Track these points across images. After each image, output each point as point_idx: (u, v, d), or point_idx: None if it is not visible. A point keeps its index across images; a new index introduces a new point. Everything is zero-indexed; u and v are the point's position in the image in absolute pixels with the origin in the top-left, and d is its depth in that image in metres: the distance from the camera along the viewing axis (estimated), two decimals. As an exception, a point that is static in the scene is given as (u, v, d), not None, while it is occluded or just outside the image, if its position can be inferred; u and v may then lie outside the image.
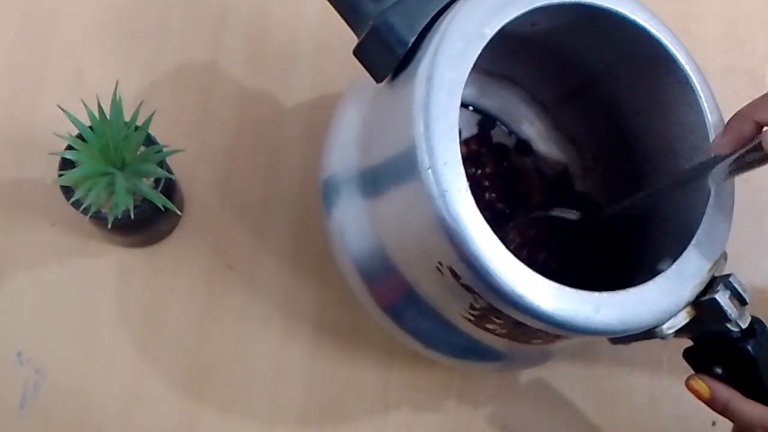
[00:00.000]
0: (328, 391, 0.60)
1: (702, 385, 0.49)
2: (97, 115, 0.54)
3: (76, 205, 0.55)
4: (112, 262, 0.62)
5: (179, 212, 0.59)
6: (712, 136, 0.49)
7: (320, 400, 0.60)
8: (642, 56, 0.51)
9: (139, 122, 0.55)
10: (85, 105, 0.54)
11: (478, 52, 0.45)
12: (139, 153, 0.56)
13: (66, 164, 0.56)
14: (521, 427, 0.60)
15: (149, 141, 0.57)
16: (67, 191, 0.56)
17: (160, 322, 0.61)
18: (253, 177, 0.64)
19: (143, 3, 0.68)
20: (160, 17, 0.67)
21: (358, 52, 0.49)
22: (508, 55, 0.55)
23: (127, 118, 0.55)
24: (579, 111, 0.61)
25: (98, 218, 0.56)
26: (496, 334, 0.49)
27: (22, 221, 0.63)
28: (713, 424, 0.61)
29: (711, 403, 0.49)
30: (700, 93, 0.50)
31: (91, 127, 0.54)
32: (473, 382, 0.62)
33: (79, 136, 0.55)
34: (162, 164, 0.56)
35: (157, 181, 0.57)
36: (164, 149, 0.56)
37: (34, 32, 0.67)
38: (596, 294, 0.44)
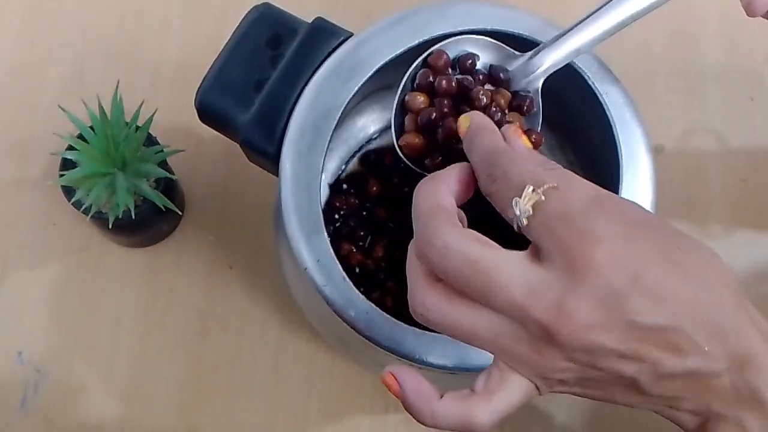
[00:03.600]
0: (328, 391, 0.60)
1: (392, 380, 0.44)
2: (98, 115, 0.54)
3: (77, 205, 0.56)
4: (112, 262, 0.62)
5: (180, 212, 0.60)
6: None
7: (320, 400, 0.60)
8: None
9: (140, 122, 0.55)
10: (86, 105, 0.54)
11: (330, 132, 0.47)
12: (139, 153, 0.56)
13: (67, 164, 0.57)
14: (518, 424, 0.60)
15: (150, 141, 0.58)
16: (68, 191, 0.56)
17: (161, 321, 0.61)
18: (253, 177, 0.64)
19: (144, 3, 0.68)
20: (161, 17, 0.68)
21: (249, 159, 0.51)
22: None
23: (127, 118, 0.55)
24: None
25: (99, 218, 0.56)
26: None
27: (23, 221, 0.63)
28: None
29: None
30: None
31: (91, 128, 0.55)
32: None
33: (80, 137, 0.55)
34: (162, 164, 0.57)
35: (157, 181, 0.57)
36: (165, 149, 0.57)
37: (35, 33, 0.67)
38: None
